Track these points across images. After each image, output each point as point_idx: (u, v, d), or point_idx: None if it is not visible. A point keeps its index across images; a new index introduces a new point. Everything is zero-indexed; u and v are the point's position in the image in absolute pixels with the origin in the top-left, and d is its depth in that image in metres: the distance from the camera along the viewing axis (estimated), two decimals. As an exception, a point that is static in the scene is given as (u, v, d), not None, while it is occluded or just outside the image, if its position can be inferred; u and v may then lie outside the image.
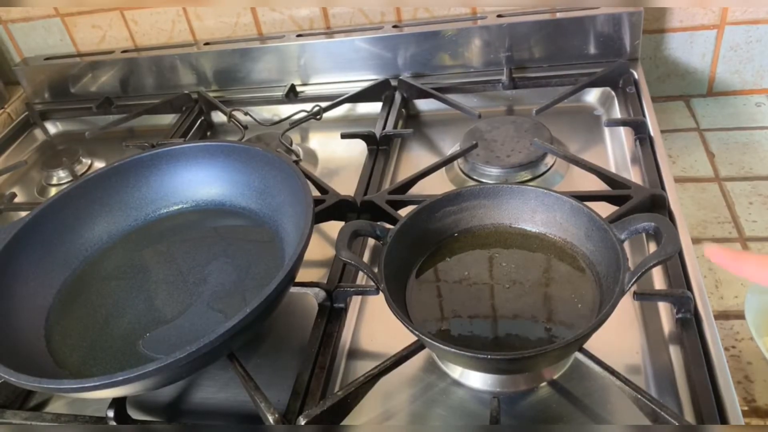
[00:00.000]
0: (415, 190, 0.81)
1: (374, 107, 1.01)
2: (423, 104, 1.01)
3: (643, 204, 0.70)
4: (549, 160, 0.83)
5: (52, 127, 1.17)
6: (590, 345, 0.54)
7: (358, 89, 1.01)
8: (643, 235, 0.67)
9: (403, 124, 0.98)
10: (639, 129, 0.82)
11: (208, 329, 0.52)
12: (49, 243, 0.71)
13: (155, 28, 1.13)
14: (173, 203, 0.78)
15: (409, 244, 0.63)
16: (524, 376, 0.58)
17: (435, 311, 0.60)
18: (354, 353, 0.65)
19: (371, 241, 0.75)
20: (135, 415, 0.61)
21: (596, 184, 0.76)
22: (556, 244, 0.63)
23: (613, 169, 0.80)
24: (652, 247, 0.67)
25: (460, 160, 0.86)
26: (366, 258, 0.75)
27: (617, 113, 0.90)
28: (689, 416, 0.53)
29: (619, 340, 0.60)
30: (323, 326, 0.65)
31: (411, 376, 0.61)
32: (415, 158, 0.92)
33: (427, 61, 1.02)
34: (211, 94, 1.09)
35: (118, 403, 0.58)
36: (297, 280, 0.62)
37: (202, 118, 1.08)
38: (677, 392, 0.55)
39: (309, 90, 1.07)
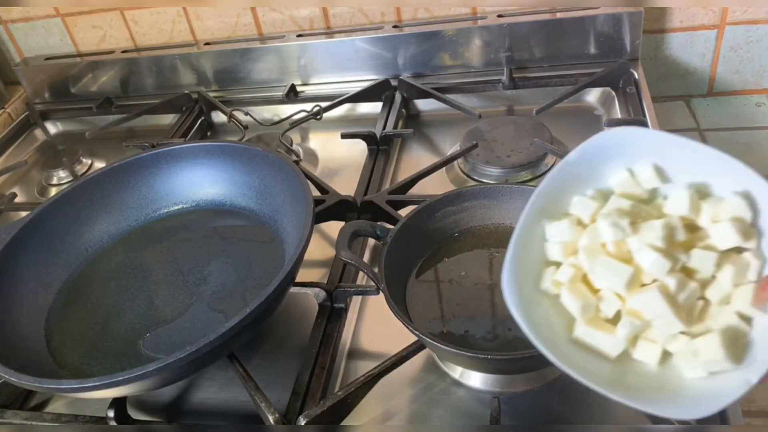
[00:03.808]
0: (415, 190, 0.81)
1: (374, 107, 1.01)
2: (423, 104, 1.01)
3: (643, 204, 0.70)
4: (549, 160, 0.83)
5: (53, 127, 1.17)
6: (590, 345, 0.54)
7: (358, 89, 1.01)
8: (644, 235, 0.67)
9: (403, 124, 0.98)
10: (639, 129, 0.82)
11: (208, 329, 0.53)
12: (49, 243, 0.71)
13: (155, 28, 1.13)
14: (173, 203, 0.78)
15: (410, 244, 0.63)
16: (524, 376, 0.58)
17: (435, 311, 0.60)
18: (354, 353, 0.65)
19: (371, 241, 0.75)
20: (135, 415, 0.61)
21: (596, 184, 0.76)
22: (556, 244, 0.63)
23: (613, 169, 0.80)
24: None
25: (460, 160, 0.86)
26: (366, 258, 0.75)
27: (617, 113, 0.90)
28: (689, 416, 0.53)
29: (619, 340, 0.60)
30: (323, 326, 0.65)
31: (411, 376, 0.61)
32: (415, 158, 0.92)
33: (427, 61, 1.02)
34: (211, 94, 1.09)
35: (118, 403, 0.58)
36: (297, 280, 0.62)
37: (202, 118, 1.08)
38: (677, 392, 0.55)
39: (309, 90, 1.07)
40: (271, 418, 0.55)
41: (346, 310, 0.67)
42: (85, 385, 0.51)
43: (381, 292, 0.57)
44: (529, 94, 0.97)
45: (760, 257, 0.40)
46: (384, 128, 0.93)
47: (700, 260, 0.40)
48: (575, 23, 0.95)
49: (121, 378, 0.50)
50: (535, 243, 0.46)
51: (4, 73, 1.21)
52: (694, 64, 1.01)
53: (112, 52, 1.15)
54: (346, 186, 0.81)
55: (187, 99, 1.09)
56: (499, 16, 0.99)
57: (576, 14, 0.95)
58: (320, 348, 0.62)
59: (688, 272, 0.41)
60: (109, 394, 0.56)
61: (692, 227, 0.43)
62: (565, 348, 0.42)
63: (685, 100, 1.03)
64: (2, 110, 1.16)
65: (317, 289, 0.67)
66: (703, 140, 0.93)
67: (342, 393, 0.56)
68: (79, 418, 0.61)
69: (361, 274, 0.71)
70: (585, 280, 0.43)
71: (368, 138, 0.91)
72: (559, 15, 0.96)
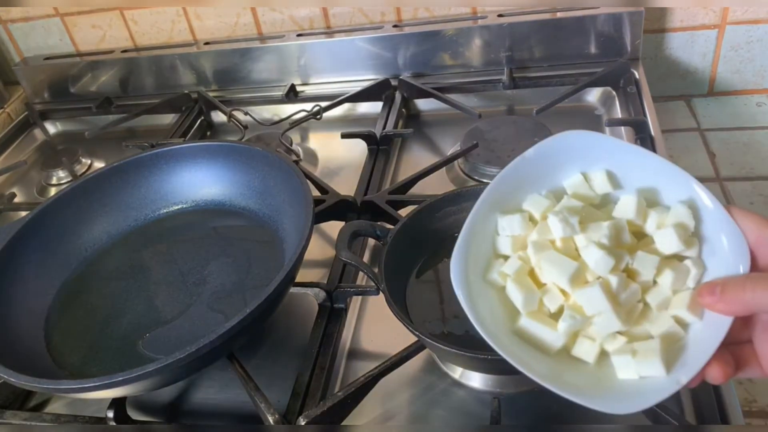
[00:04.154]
0: (416, 190, 0.81)
1: (374, 107, 1.01)
2: (423, 104, 1.01)
3: (643, 204, 0.70)
4: (549, 160, 0.83)
5: (52, 127, 1.17)
6: (591, 345, 0.54)
7: (358, 89, 1.01)
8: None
9: (403, 124, 0.98)
10: (640, 129, 0.82)
11: (208, 330, 0.52)
12: (48, 243, 0.71)
13: (155, 27, 1.13)
14: (173, 203, 0.78)
15: (410, 244, 0.63)
16: (525, 376, 0.58)
17: (435, 311, 0.60)
18: (354, 354, 0.64)
19: (371, 241, 0.75)
20: (135, 415, 0.61)
21: (597, 184, 0.76)
22: (556, 244, 0.63)
23: (613, 169, 0.80)
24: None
25: (460, 160, 0.86)
26: (366, 258, 0.74)
27: (618, 113, 0.90)
28: (690, 417, 0.53)
29: (619, 340, 0.60)
30: (323, 327, 0.64)
31: (411, 376, 0.60)
32: (416, 158, 0.91)
33: (427, 60, 1.02)
34: (211, 94, 1.09)
35: (117, 404, 0.58)
36: (297, 280, 0.62)
37: (202, 118, 1.08)
38: (678, 393, 0.54)
39: (309, 90, 1.07)
40: (270, 419, 0.55)
41: (346, 310, 0.67)
42: (85, 385, 0.51)
43: (381, 292, 0.56)
44: (529, 93, 0.97)
45: (700, 266, 0.42)
46: (384, 128, 0.93)
47: (642, 262, 0.42)
48: (576, 23, 0.95)
49: (120, 378, 0.50)
50: (486, 234, 0.47)
51: (4, 72, 1.21)
52: (695, 63, 1.01)
53: (111, 51, 1.14)
54: (346, 186, 0.81)
55: (187, 99, 1.09)
56: (500, 15, 0.99)
57: (576, 14, 0.95)
58: (320, 348, 0.62)
59: (630, 274, 0.42)
60: (109, 395, 0.56)
61: (639, 234, 0.44)
62: (506, 339, 0.42)
63: (686, 100, 1.03)
64: (2, 110, 1.16)
65: (317, 289, 0.67)
66: (704, 140, 0.93)
67: (342, 393, 0.55)
68: (78, 419, 0.61)
69: (361, 274, 0.71)
70: (531, 274, 0.44)
71: (368, 138, 0.90)
72: (559, 15, 0.96)
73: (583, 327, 0.42)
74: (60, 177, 1.01)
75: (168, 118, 1.09)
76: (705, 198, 0.42)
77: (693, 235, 0.42)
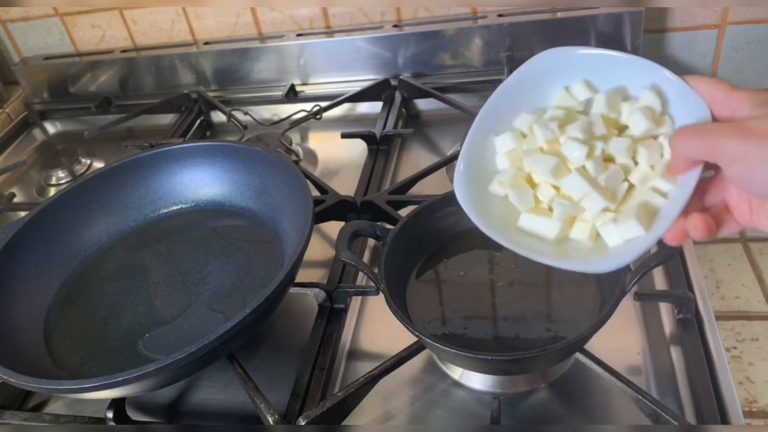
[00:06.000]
0: (416, 190, 0.80)
1: (374, 107, 1.01)
2: (423, 104, 1.01)
3: (643, 204, 0.70)
4: (549, 160, 0.83)
5: (51, 127, 1.17)
6: (591, 346, 0.54)
7: (358, 89, 1.01)
8: (644, 235, 0.67)
9: (403, 124, 0.98)
10: (640, 129, 0.82)
11: (207, 330, 0.52)
12: (48, 243, 0.71)
13: (154, 27, 1.13)
14: (172, 203, 0.78)
15: (410, 244, 0.63)
16: (525, 376, 0.58)
17: (435, 312, 0.60)
18: (354, 354, 0.64)
19: (371, 242, 0.75)
20: (134, 416, 0.61)
21: (597, 184, 0.76)
22: (556, 244, 0.63)
23: (613, 169, 0.80)
24: (653, 248, 0.67)
25: (460, 160, 0.86)
26: (366, 258, 0.74)
27: (618, 113, 0.90)
28: (690, 417, 0.53)
29: (620, 340, 0.60)
30: (323, 327, 0.64)
31: (411, 377, 0.60)
32: (415, 158, 0.91)
33: (427, 60, 1.02)
34: (211, 94, 1.09)
35: (117, 404, 0.58)
36: (297, 280, 0.62)
37: (202, 117, 1.08)
38: (678, 393, 0.55)
39: (309, 90, 1.07)
40: (270, 419, 0.55)
41: (345, 310, 0.67)
42: (84, 385, 0.51)
43: (381, 293, 0.56)
44: (529, 93, 0.97)
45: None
46: (384, 128, 0.93)
47: (616, 146, 0.45)
48: (576, 23, 0.95)
49: (120, 379, 0.50)
50: (488, 157, 0.50)
51: (3, 72, 1.21)
52: (695, 63, 1.00)
53: (111, 51, 1.14)
54: (346, 186, 0.81)
55: (187, 99, 1.09)
56: (500, 15, 0.99)
57: (576, 14, 0.95)
58: (320, 348, 0.62)
59: (610, 159, 0.46)
60: (108, 395, 0.56)
61: (620, 128, 0.47)
62: (516, 236, 0.46)
63: (686, 100, 1.02)
64: (1, 110, 1.16)
65: (317, 290, 0.67)
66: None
67: (342, 394, 0.55)
68: (78, 419, 0.61)
69: (361, 274, 0.71)
70: (528, 179, 0.48)
71: (368, 138, 0.90)
72: (559, 15, 0.95)
73: (576, 212, 0.45)
74: (59, 177, 1.01)
75: (167, 118, 1.09)
76: (668, 77, 0.44)
77: (662, 114, 0.45)
